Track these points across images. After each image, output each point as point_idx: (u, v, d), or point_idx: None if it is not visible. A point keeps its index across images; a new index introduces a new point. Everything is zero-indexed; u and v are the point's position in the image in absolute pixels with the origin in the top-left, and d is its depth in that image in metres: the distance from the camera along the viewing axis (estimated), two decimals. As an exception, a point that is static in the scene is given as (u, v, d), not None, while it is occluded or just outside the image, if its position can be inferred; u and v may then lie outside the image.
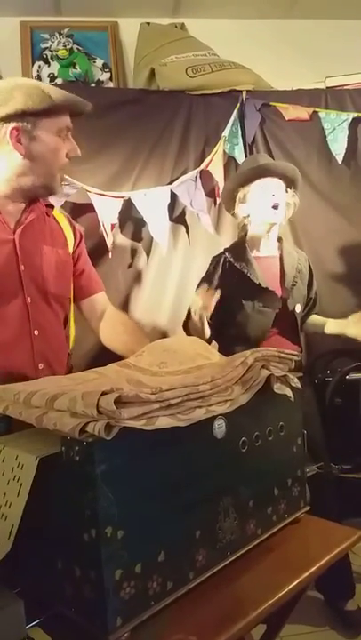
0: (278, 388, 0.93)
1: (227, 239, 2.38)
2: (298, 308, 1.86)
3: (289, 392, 0.95)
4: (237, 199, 1.93)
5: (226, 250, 1.95)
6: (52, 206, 1.40)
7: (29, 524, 0.78)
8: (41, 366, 1.25)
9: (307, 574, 0.87)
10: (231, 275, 1.85)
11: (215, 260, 1.92)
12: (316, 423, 1.93)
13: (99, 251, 2.14)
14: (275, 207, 1.83)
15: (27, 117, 1.19)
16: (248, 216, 1.91)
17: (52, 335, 1.31)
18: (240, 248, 1.91)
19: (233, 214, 2.01)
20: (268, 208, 1.84)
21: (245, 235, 1.94)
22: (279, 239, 1.95)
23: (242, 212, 1.92)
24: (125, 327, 1.45)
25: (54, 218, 1.40)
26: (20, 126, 1.19)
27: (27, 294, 1.25)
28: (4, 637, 0.68)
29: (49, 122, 1.21)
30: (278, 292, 1.85)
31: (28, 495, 0.71)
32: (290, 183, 1.91)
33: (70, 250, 1.40)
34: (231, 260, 1.87)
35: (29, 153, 1.22)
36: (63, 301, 1.36)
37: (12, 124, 1.19)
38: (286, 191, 1.90)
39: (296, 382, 0.97)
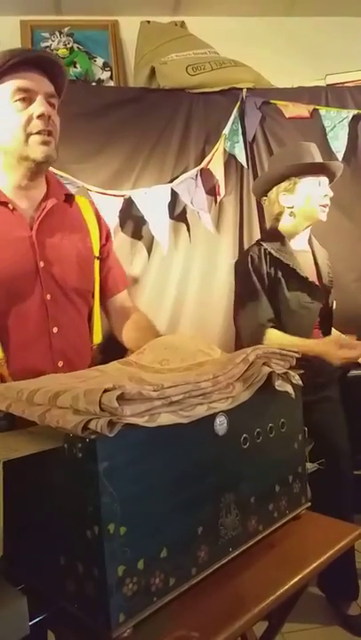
0: (280, 385, 0.93)
1: (227, 238, 2.39)
2: (334, 305, 1.83)
3: (290, 389, 0.95)
4: (282, 187, 1.84)
5: (262, 241, 1.85)
6: (71, 196, 1.36)
7: (32, 520, 0.79)
8: (60, 364, 1.22)
9: (308, 570, 0.87)
10: (273, 268, 1.76)
11: (249, 253, 1.80)
12: (341, 418, 1.90)
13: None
14: (325, 206, 1.81)
15: None
16: (292, 207, 1.83)
17: (73, 331, 1.28)
18: (280, 239, 1.82)
19: (263, 201, 1.95)
20: (319, 206, 1.81)
21: (278, 225, 1.87)
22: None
23: (285, 202, 1.84)
24: (137, 324, 1.42)
25: (78, 208, 1.36)
26: None
27: (45, 291, 1.21)
28: (8, 634, 0.69)
29: None
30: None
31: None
32: (331, 180, 1.89)
33: (94, 243, 1.35)
34: (272, 251, 1.77)
35: None
36: (86, 295, 1.32)
37: None
38: None
39: (297, 379, 0.97)
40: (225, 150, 2.35)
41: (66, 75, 1.25)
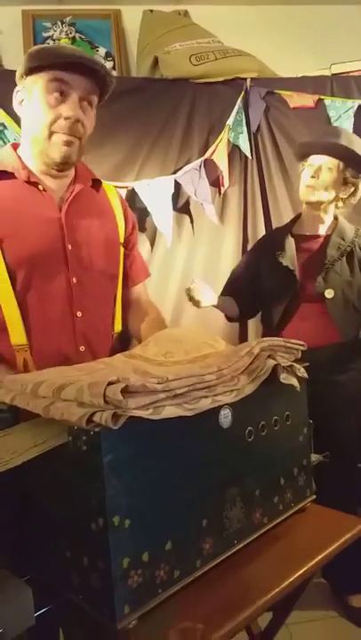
0: (285, 377, 0.93)
1: (231, 229, 2.37)
2: (329, 294, 1.76)
3: (295, 382, 0.95)
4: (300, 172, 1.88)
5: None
6: (98, 181, 1.36)
7: (37, 512, 0.79)
8: (82, 349, 1.21)
9: (313, 563, 0.88)
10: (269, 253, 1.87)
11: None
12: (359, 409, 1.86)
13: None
14: (312, 187, 1.78)
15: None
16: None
17: (98, 317, 1.27)
18: (289, 223, 1.92)
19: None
20: (305, 187, 1.80)
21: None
22: (335, 217, 1.88)
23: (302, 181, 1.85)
24: (154, 321, 1.40)
25: (105, 195, 1.36)
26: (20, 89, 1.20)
27: (72, 274, 1.20)
28: (13, 625, 0.69)
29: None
30: (297, 273, 1.79)
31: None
32: (352, 164, 1.79)
33: (120, 230, 1.35)
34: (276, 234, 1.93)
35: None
36: (112, 279, 1.32)
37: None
38: (345, 172, 1.79)
39: (303, 372, 0.97)
40: (229, 141, 2.33)
41: (109, 76, 1.22)
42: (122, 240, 1.36)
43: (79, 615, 0.74)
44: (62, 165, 1.22)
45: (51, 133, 1.17)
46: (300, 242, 1.85)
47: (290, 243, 1.83)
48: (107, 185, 1.40)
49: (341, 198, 1.84)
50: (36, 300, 1.18)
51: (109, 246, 1.30)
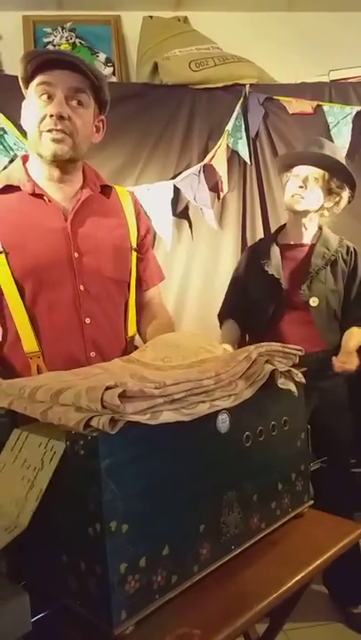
0: (282, 382, 0.93)
1: (230, 234, 2.38)
2: (313, 302, 1.79)
3: (293, 387, 0.95)
4: (283, 182, 1.93)
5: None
6: (109, 187, 1.36)
7: (35, 517, 0.79)
8: (92, 354, 1.23)
9: (311, 568, 0.87)
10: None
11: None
12: (346, 415, 1.89)
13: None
14: (299, 196, 1.80)
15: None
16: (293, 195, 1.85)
17: (106, 323, 1.27)
18: (273, 233, 1.97)
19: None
20: (291, 196, 1.82)
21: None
22: (320, 228, 1.90)
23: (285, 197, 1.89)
24: (159, 325, 1.40)
25: (117, 199, 1.37)
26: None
27: (79, 282, 1.22)
28: (10, 630, 0.69)
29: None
30: (284, 283, 1.81)
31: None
32: (335, 174, 1.82)
33: (131, 235, 1.35)
34: (260, 245, 1.94)
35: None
36: (122, 286, 1.32)
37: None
38: (330, 183, 1.83)
39: (300, 377, 0.97)
40: (228, 146, 2.34)
41: (91, 71, 1.21)
42: (134, 245, 1.36)
43: (76, 620, 0.74)
44: (57, 164, 1.22)
45: (40, 133, 1.20)
46: (286, 251, 1.88)
47: (275, 251, 1.87)
48: (119, 188, 1.41)
49: (326, 208, 1.87)
50: (45, 309, 1.20)
51: (118, 252, 1.31)
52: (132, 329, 1.36)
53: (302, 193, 1.80)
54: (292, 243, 1.90)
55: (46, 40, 2.49)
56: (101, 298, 1.27)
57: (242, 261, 2.00)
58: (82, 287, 1.23)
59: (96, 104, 1.27)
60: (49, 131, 1.19)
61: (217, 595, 0.80)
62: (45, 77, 1.18)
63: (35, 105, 1.20)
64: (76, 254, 1.22)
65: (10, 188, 1.24)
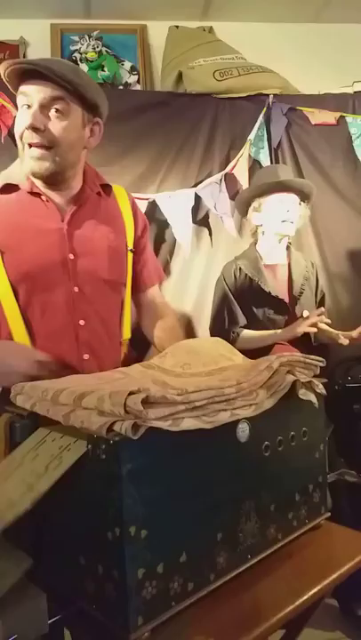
0: (303, 393, 0.92)
1: (249, 242, 2.37)
2: (305, 314, 1.86)
3: (313, 398, 0.94)
4: (252, 207, 2.00)
5: (237, 258, 2.02)
6: (108, 186, 1.36)
7: (54, 519, 0.79)
8: (86, 357, 1.22)
9: (327, 582, 0.86)
10: (243, 283, 1.94)
11: (227, 268, 1.99)
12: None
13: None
14: (289, 222, 1.92)
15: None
16: (261, 225, 1.99)
17: (101, 325, 1.26)
18: (252, 255, 1.99)
19: (246, 219, 2.10)
20: (281, 222, 1.92)
21: (256, 242, 2.02)
22: (288, 247, 2.02)
23: (255, 221, 2.00)
24: (164, 324, 1.40)
25: (115, 199, 1.36)
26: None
27: (73, 283, 1.21)
28: (27, 631, 0.69)
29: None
30: (286, 300, 1.92)
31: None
32: (304, 197, 2.00)
33: (128, 235, 1.35)
34: (242, 267, 1.96)
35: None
36: (118, 287, 1.32)
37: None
38: (300, 204, 1.98)
39: (321, 388, 0.97)
40: (250, 156, 2.35)
41: (64, 80, 1.15)
42: (131, 246, 1.36)
43: (91, 624, 0.74)
44: (42, 179, 1.22)
45: (24, 145, 1.19)
46: (271, 270, 1.97)
47: (266, 272, 1.95)
48: (117, 188, 1.40)
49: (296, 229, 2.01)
50: (39, 310, 1.20)
51: (114, 254, 1.30)
52: (127, 331, 1.36)
53: (291, 218, 1.93)
54: (271, 263, 1.98)
55: (73, 48, 2.53)
56: (96, 300, 1.26)
57: (229, 281, 1.99)
58: (76, 289, 1.22)
59: (83, 109, 1.22)
60: (30, 145, 1.17)
61: (233, 604, 0.79)
62: (24, 88, 1.17)
63: (19, 115, 1.19)
64: (71, 256, 1.22)
65: (10, 187, 1.24)
